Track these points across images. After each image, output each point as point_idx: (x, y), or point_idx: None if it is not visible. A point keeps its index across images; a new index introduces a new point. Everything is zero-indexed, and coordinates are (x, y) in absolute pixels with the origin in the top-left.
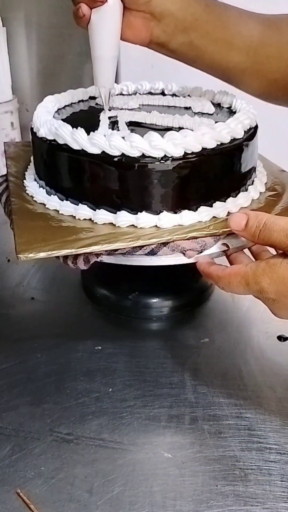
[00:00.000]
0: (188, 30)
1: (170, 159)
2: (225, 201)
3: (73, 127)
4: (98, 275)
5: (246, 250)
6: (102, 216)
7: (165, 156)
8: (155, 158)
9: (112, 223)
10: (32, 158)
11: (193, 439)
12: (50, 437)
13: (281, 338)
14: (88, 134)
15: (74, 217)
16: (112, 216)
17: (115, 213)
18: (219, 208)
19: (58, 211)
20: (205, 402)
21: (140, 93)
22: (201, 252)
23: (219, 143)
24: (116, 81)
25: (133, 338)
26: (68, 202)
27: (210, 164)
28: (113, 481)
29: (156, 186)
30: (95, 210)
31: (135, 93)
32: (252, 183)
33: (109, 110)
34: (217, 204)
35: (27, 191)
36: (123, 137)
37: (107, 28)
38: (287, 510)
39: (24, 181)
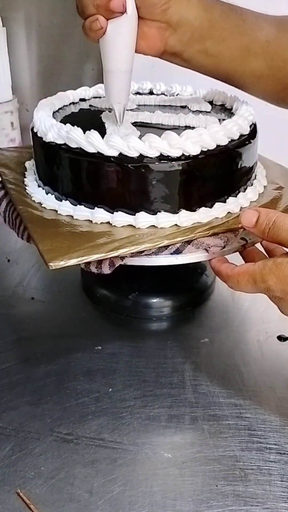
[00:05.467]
0: (205, 38)
1: (188, 157)
2: (236, 196)
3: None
4: (98, 275)
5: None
6: (121, 218)
7: (182, 155)
8: (173, 157)
9: (130, 225)
10: (28, 163)
11: (193, 439)
12: (50, 437)
13: (281, 338)
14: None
15: (90, 221)
16: (132, 218)
17: (134, 214)
18: (233, 204)
19: (72, 216)
20: (205, 402)
21: (140, 93)
22: (224, 248)
23: (230, 140)
24: None
25: (133, 338)
26: (82, 206)
27: (225, 160)
28: (113, 481)
29: (174, 185)
30: (112, 213)
31: (135, 93)
32: (255, 178)
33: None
34: (231, 199)
35: (33, 198)
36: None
37: (123, 40)
38: (287, 510)
39: (27, 187)
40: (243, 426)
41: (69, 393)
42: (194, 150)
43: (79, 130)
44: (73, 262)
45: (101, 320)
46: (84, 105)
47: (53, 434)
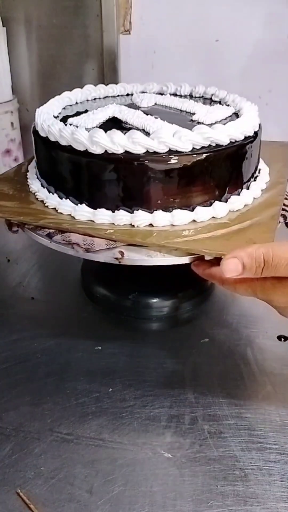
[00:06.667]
0: None
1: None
2: (227, 201)
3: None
4: (98, 275)
5: None
6: (65, 207)
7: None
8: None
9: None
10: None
11: (193, 439)
12: (50, 437)
13: (281, 338)
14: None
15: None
16: (71, 208)
17: (77, 205)
18: (178, 215)
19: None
20: (205, 402)
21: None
22: (87, 251)
23: (232, 140)
24: (116, 81)
25: (133, 338)
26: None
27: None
28: (113, 481)
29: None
30: (61, 199)
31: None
32: (259, 172)
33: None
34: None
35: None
36: (123, 132)
37: None
38: (287, 510)
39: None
40: (243, 426)
41: (69, 393)
42: (160, 148)
43: (83, 130)
44: None
45: (101, 320)
46: (91, 105)
47: (53, 434)
